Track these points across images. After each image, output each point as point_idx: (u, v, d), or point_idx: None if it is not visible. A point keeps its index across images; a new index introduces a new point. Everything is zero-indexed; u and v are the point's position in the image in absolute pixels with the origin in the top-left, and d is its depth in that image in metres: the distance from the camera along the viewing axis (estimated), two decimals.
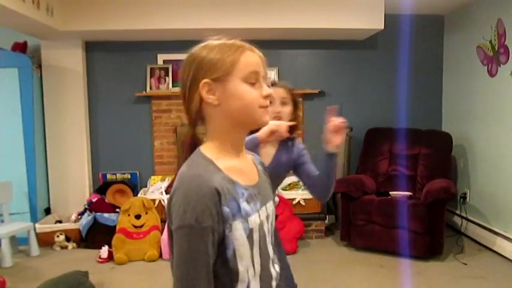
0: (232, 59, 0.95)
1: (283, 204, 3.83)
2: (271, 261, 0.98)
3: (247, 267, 0.89)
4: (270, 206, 1.01)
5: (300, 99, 4.43)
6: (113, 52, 4.38)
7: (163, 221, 3.76)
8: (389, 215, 3.52)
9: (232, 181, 0.90)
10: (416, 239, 3.43)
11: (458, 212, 4.19)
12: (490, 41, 3.75)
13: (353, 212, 3.71)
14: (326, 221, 4.22)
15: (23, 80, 3.90)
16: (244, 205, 0.89)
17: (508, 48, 3.51)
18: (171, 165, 4.42)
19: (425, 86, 4.57)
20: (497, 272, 3.27)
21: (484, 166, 3.92)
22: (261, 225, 0.93)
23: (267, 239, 0.97)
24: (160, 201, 3.87)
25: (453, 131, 4.16)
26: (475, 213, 3.98)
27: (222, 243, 0.86)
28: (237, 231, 0.87)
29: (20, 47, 4.11)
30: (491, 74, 3.76)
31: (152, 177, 4.31)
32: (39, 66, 4.17)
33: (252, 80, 0.95)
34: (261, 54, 1.02)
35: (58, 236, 3.84)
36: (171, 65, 4.33)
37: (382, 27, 3.94)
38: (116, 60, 4.40)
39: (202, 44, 1.01)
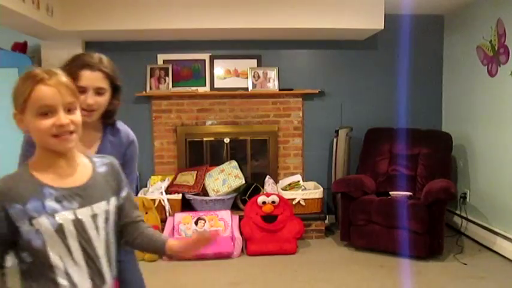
0: (24, 95, 1.08)
1: (283, 204, 3.83)
2: (101, 257, 1.14)
3: (60, 254, 1.07)
4: (101, 206, 1.14)
5: (300, 99, 4.44)
6: (112, 52, 4.31)
7: (163, 221, 3.76)
8: (389, 215, 3.52)
9: (40, 184, 1.07)
10: (416, 239, 3.43)
11: (458, 212, 4.19)
12: (490, 41, 3.75)
13: (353, 212, 3.71)
14: (326, 221, 4.22)
15: None
16: (50, 203, 1.06)
17: (508, 48, 3.52)
18: (171, 165, 4.42)
19: (425, 86, 4.57)
20: (497, 272, 3.27)
21: (484, 166, 3.92)
22: (78, 221, 1.09)
23: (91, 234, 1.11)
24: (160, 201, 3.87)
25: (453, 131, 4.16)
26: (475, 213, 3.98)
27: (22, 236, 1.04)
28: (43, 226, 1.04)
29: (20, 47, 4.11)
30: (491, 74, 3.76)
31: (152, 177, 4.31)
32: (39, 66, 4.17)
33: (44, 111, 1.06)
34: (59, 80, 1.09)
35: None
36: (171, 65, 4.34)
37: (382, 27, 3.94)
38: (115, 60, 4.32)
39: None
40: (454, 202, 4.22)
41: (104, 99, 1.51)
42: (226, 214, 3.83)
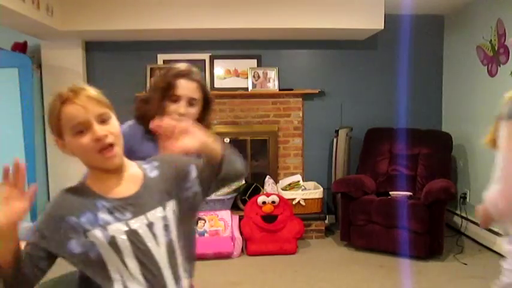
0: (55, 119, 1.06)
1: (283, 204, 3.83)
2: (164, 267, 1.07)
3: (117, 267, 1.03)
4: (156, 213, 1.09)
5: (300, 99, 4.44)
6: (113, 52, 4.38)
7: None
8: (389, 215, 3.52)
9: (94, 195, 1.06)
10: (416, 239, 3.43)
11: (458, 212, 4.19)
12: (490, 41, 3.75)
13: (353, 212, 3.71)
14: (326, 221, 4.22)
15: (23, 80, 3.89)
16: (103, 216, 1.04)
17: (508, 48, 3.51)
18: None
19: (425, 86, 4.57)
20: (497, 272, 3.25)
21: (484, 166, 3.92)
22: (132, 232, 1.04)
23: (149, 245, 1.06)
24: None
25: (453, 131, 4.16)
26: (475, 213, 3.97)
27: (84, 245, 1.02)
28: (97, 239, 1.02)
29: (20, 47, 4.11)
30: (491, 74, 3.76)
31: None
32: (39, 66, 4.17)
33: (78, 129, 1.03)
34: (84, 95, 1.06)
35: None
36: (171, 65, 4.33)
37: (382, 27, 3.94)
38: (116, 60, 4.40)
39: None
40: (454, 202, 4.22)
41: (195, 111, 1.46)
42: (226, 214, 3.83)
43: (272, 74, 4.39)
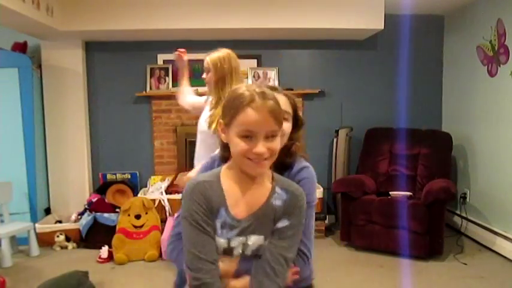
0: (232, 114, 1.08)
1: None
2: None
3: None
4: (257, 241, 1.11)
5: (300, 99, 4.44)
6: (113, 52, 4.38)
7: (163, 221, 3.75)
8: (389, 215, 3.52)
9: (222, 203, 1.11)
10: (416, 239, 3.43)
11: (458, 212, 4.19)
12: (490, 41, 3.75)
13: (353, 212, 3.71)
14: (326, 221, 4.22)
15: (23, 80, 3.90)
16: (218, 224, 1.10)
17: (508, 48, 3.52)
18: (171, 165, 4.42)
19: (425, 86, 4.57)
20: (497, 272, 3.27)
21: (484, 166, 3.92)
22: (229, 250, 1.11)
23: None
24: (160, 201, 3.86)
25: (453, 131, 4.16)
26: (475, 213, 3.98)
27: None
28: (217, 243, 1.11)
29: (20, 47, 4.11)
30: (491, 74, 3.76)
31: (152, 177, 4.31)
32: (39, 66, 4.17)
33: (246, 134, 1.06)
34: (267, 106, 1.06)
35: (58, 236, 3.84)
36: (171, 65, 4.33)
37: (382, 27, 3.94)
38: (116, 60, 4.40)
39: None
40: (454, 202, 4.22)
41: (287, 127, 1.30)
42: None
43: (272, 74, 4.39)
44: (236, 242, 1.10)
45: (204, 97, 2.60)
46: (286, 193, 1.14)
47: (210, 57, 2.33)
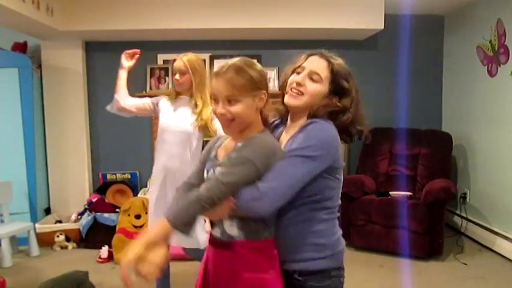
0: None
1: None
2: None
3: None
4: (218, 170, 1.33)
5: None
6: (113, 52, 4.36)
7: None
8: (389, 215, 3.52)
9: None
10: (416, 239, 3.43)
11: (458, 212, 4.19)
12: (490, 41, 3.75)
13: (353, 212, 3.71)
14: None
15: (23, 80, 3.90)
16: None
17: (508, 48, 3.52)
18: None
19: (425, 86, 4.57)
20: (497, 272, 3.27)
21: (484, 166, 3.92)
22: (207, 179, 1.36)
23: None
24: None
25: (453, 131, 4.16)
26: (475, 213, 3.98)
27: None
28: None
29: (20, 47, 4.11)
30: (491, 74, 3.76)
31: (152, 177, 4.30)
32: (39, 66, 4.17)
33: (213, 97, 1.32)
34: (227, 76, 1.26)
35: (58, 236, 3.84)
36: (171, 65, 4.33)
37: (382, 27, 3.94)
38: (116, 60, 4.31)
39: None
40: (454, 202, 4.22)
41: (315, 88, 1.45)
42: None
43: (272, 74, 4.39)
44: (211, 173, 1.35)
45: (151, 98, 2.65)
46: (250, 139, 1.31)
47: (187, 59, 2.32)
